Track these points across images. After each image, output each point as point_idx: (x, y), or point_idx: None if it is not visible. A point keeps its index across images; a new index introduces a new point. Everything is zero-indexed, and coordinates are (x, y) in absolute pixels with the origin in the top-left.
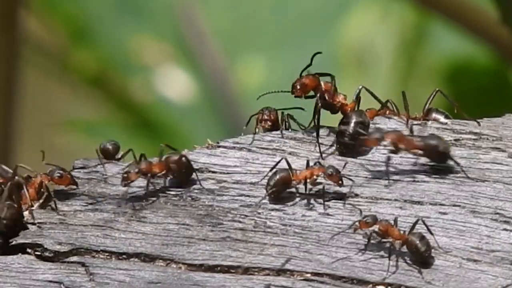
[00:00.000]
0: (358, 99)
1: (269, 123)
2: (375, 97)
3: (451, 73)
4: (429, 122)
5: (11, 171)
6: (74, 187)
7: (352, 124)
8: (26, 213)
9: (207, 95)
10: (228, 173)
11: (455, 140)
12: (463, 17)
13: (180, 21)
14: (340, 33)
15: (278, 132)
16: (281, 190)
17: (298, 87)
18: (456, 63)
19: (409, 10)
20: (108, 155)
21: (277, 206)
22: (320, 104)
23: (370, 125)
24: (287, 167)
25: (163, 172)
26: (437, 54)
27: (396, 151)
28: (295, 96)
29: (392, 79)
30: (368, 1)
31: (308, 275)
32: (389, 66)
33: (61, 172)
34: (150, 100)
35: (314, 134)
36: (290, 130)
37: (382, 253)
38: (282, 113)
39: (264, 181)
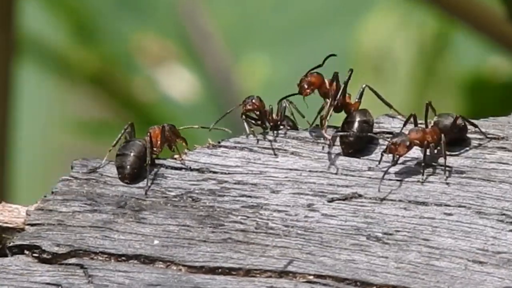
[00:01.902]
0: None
1: (255, 112)
2: (380, 98)
3: (471, 85)
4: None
5: None
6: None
7: (356, 124)
8: None
9: (210, 94)
10: (229, 173)
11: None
12: (486, 27)
13: (183, 19)
14: (356, 36)
15: (280, 131)
16: None
17: (306, 86)
18: (477, 75)
19: (430, 18)
20: None
21: (279, 207)
22: (330, 104)
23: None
24: None
25: None
26: (458, 64)
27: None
28: (303, 95)
29: (409, 87)
30: (387, 6)
31: (311, 277)
32: (406, 74)
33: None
34: (153, 99)
35: (317, 133)
36: (287, 123)
37: (385, 254)
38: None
39: (266, 182)
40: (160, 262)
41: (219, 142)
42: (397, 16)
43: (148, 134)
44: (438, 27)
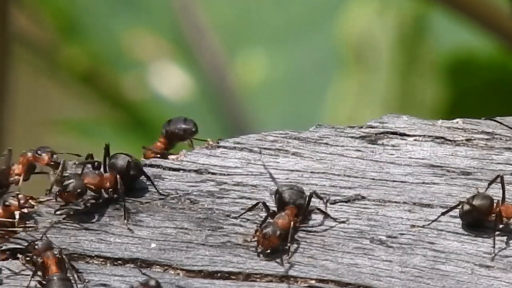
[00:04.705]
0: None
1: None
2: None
3: (453, 67)
4: (440, 121)
5: None
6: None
7: None
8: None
9: (205, 92)
10: (228, 174)
11: (467, 140)
12: (466, 8)
13: (177, 14)
14: (338, 27)
15: (282, 131)
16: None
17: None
18: (458, 57)
19: (408, 2)
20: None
21: None
22: None
23: None
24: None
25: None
26: (438, 47)
27: None
28: None
29: (391, 74)
30: None
31: (313, 281)
32: (388, 60)
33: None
34: (145, 98)
35: (319, 134)
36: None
37: (389, 258)
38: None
39: (266, 183)
40: (158, 266)
41: (218, 143)
42: (376, 4)
43: None
44: (416, 11)
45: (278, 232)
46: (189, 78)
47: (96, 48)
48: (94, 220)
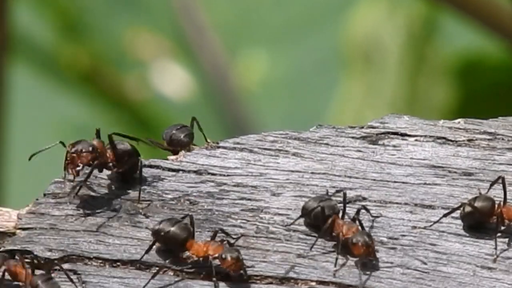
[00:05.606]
0: None
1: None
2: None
3: (462, 69)
4: (441, 121)
5: None
6: None
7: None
8: None
9: (206, 91)
10: (228, 175)
11: (468, 140)
12: (476, 10)
13: (178, 13)
14: (346, 27)
15: (282, 131)
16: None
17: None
18: (467, 59)
19: (418, 3)
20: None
21: (280, 211)
22: None
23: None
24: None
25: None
26: (447, 49)
27: None
28: None
29: (400, 75)
30: None
31: (313, 283)
32: (396, 62)
33: None
34: (146, 97)
35: (320, 134)
36: None
37: (390, 259)
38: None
39: (266, 184)
40: (157, 268)
41: (217, 143)
42: (384, 4)
43: None
44: (426, 12)
45: None
46: (190, 78)
47: (97, 47)
48: (92, 222)
